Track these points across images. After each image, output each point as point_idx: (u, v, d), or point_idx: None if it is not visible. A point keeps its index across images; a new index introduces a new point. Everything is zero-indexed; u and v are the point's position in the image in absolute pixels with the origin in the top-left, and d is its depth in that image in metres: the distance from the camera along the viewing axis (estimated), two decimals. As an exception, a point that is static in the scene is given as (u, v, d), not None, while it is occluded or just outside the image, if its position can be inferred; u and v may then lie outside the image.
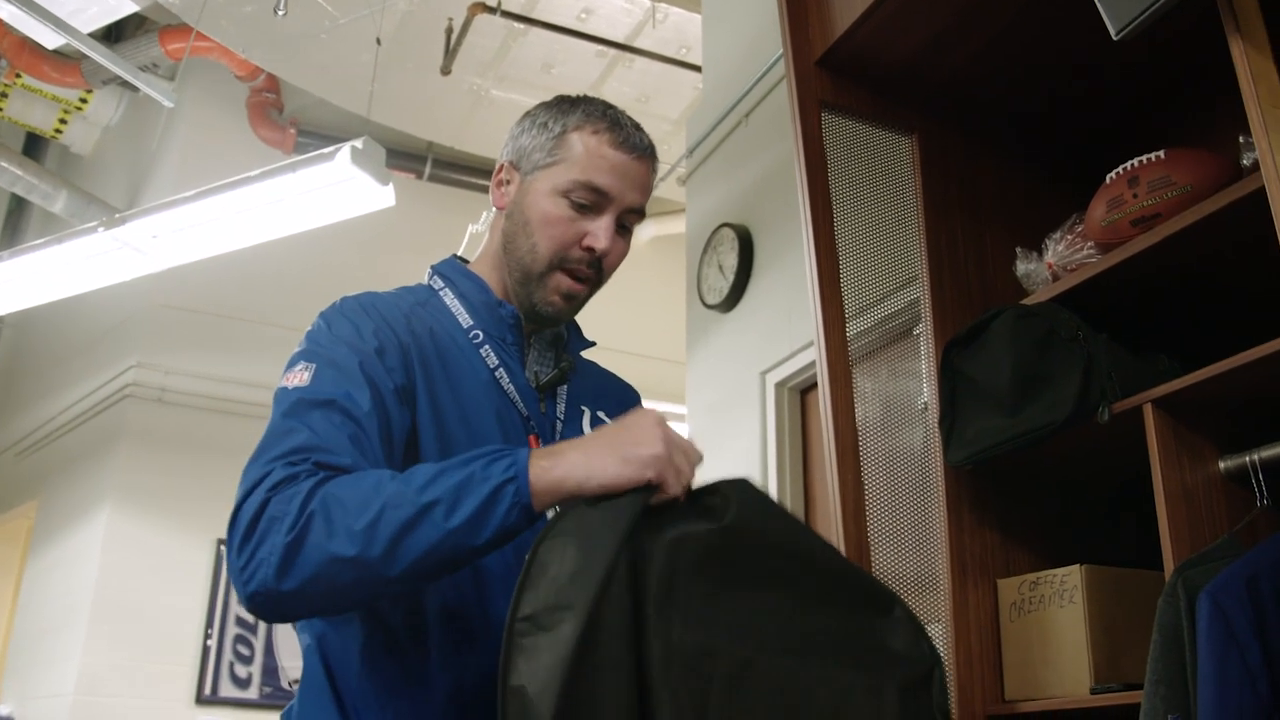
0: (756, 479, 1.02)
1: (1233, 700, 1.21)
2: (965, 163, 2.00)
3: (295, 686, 1.01)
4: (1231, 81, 1.33)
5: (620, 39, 4.58)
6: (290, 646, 4.84)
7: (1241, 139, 1.46)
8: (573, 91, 1.15)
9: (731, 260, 3.18)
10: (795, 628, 0.92)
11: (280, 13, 4.09)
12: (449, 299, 1.12)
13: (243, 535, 0.85)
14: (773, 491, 2.82)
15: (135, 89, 4.57)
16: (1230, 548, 1.37)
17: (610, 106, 1.11)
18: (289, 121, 5.42)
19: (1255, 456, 1.46)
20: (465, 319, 1.10)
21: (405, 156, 5.57)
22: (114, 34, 5.26)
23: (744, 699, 0.86)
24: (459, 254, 1.19)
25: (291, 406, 0.93)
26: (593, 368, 1.23)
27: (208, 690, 4.71)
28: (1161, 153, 1.57)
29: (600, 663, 0.80)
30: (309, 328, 1.04)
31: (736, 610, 0.89)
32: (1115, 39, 1.39)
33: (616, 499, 0.86)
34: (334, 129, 5.38)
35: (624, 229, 1.11)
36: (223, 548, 4.82)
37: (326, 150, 3.34)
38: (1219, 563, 1.33)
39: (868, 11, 1.77)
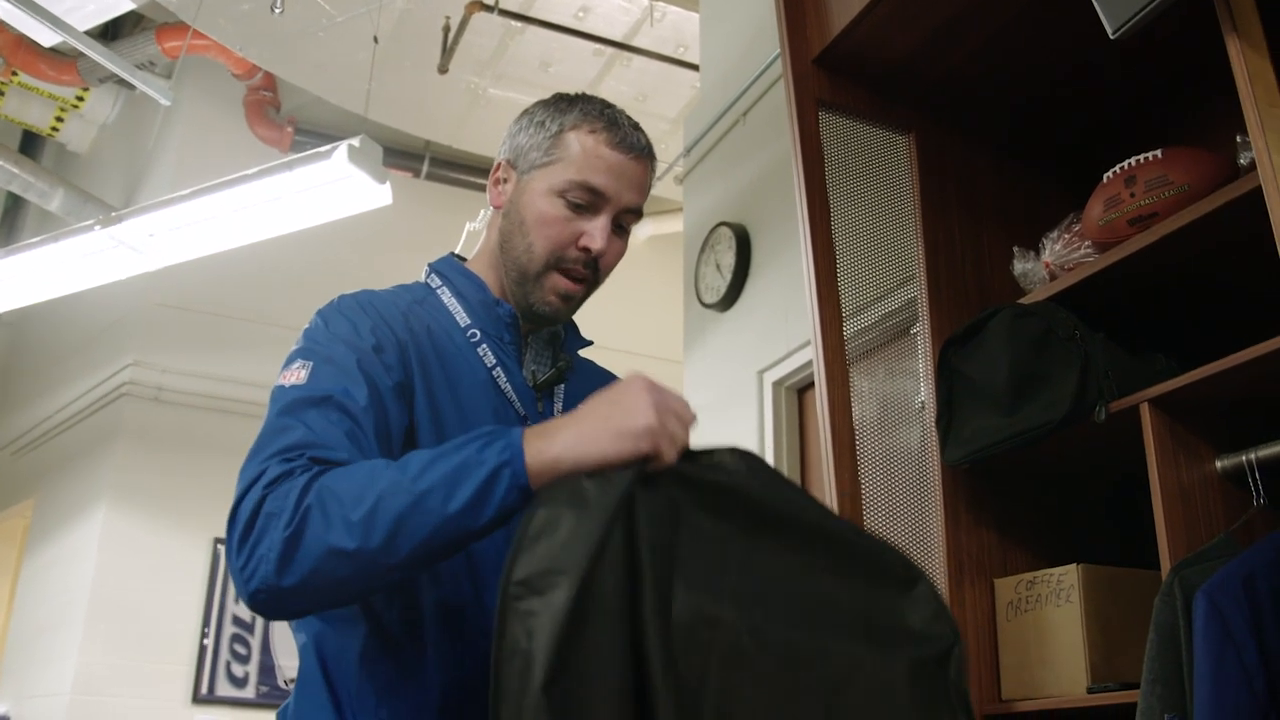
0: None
1: (1229, 699, 1.21)
2: (962, 162, 2.00)
3: (292, 685, 1.01)
4: (1229, 81, 1.33)
5: (618, 38, 4.58)
6: (287, 645, 4.83)
7: (1239, 138, 1.46)
8: (570, 90, 1.15)
9: (729, 259, 3.18)
10: (802, 598, 0.90)
11: (277, 10, 4.08)
12: (446, 297, 1.11)
13: (241, 533, 0.85)
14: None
15: (132, 87, 4.56)
16: (1227, 547, 1.37)
17: (608, 105, 1.11)
18: (286, 120, 5.41)
19: (1252, 456, 1.46)
20: (463, 318, 1.09)
21: (402, 155, 5.57)
22: (111, 32, 5.25)
23: (744, 670, 0.85)
24: (456, 252, 1.19)
25: (288, 405, 0.93)
26: (590, 367, 1.23)
27: (204, 689, 4.70)
28: (1159, 152, 1.58)
29: (595, 628, 0.79)
30: (306, 326, 1.04)
31: (740, 578, 0.87)
32: (1112, 38, 1.39)
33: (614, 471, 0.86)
34: (331, 127, 5.37)
35: (621, 229, 1.10)
36: (219, 547, 4.84)
37: (323, 148, 3.33)
38: (1215, 562, 1.34)
39: (865, 10, 1.77)
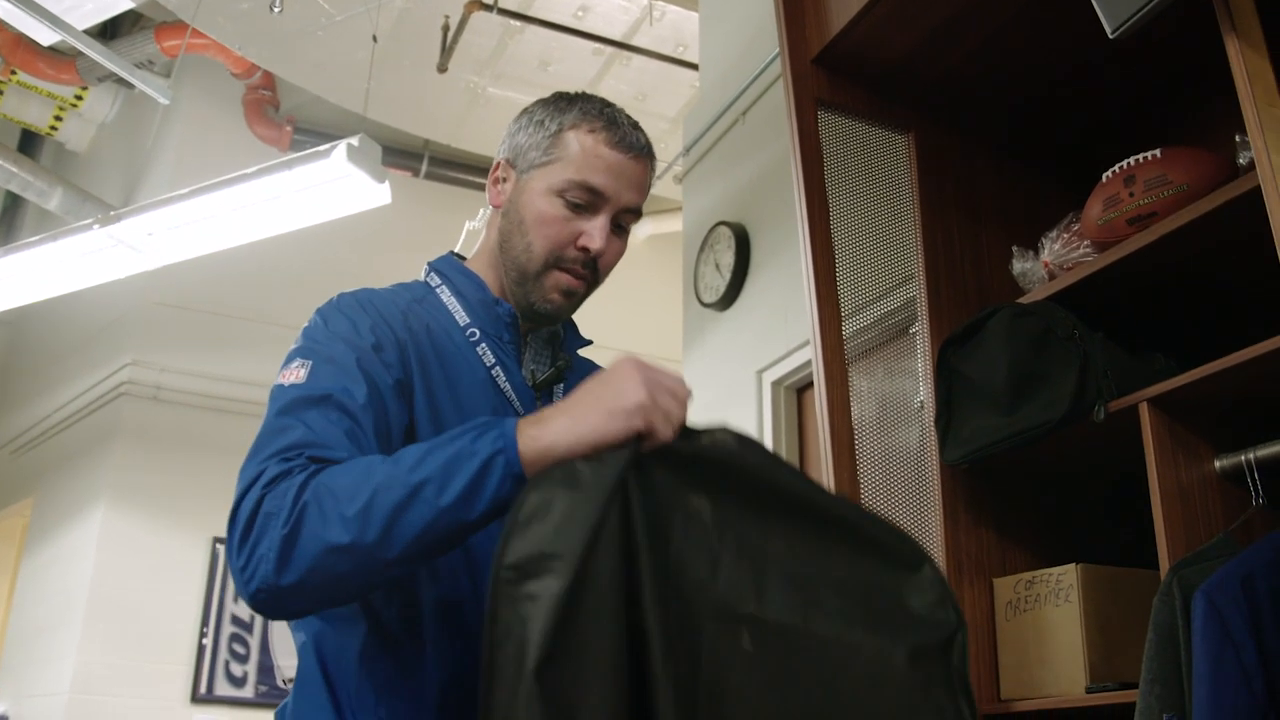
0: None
1: (1228, 699, 1.21)
2: (961, 161, 2.00)
3: (291, 685, 1.01)
4: (1228, 80, 1.33)
5: (617, 37, 4.58)
6: (286, 645, 4.83)
7: (1238, 138, 1.46)
8: (570, 89, 1.15)
9: (728, 259, 3.18)
10: (800, 581, 0.88)
11: (276, 10, 4.08)
12: (446, 296, 1.11)
13: (240, 534, 0.85)
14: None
15: (131, 86, 4.56)
16: (1225, 547, 1.37)
17: (608, 104, 1.10)
18: (285, 119, 5.41)
19: (1251, 455, 1.46)
20: (462, 317, 1.09)
21: (401, 154, 5.57)
22: (109, 30, 5.25)
23: (738, 654, 0.84)
24: (456, 251, 1.19)
25: (287, 404, 0.93)
26: (590, 366, 1.23)
27: (203, 689, 4.70)
28: (1158, 151, 1.58)
29: (590, 612, 0.78)
30: (306, 324, 1.04)
31: (737, 561, 0.87)
32: (1111, 37, 1.39)
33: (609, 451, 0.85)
34: (330, 126, 5.37)
35: (620, 228, 1.10)
36: (218, 546, 4.84)
37: (322, 148, 3.33)
38: (1214, 562, 1.34)
39: (864, 10, 1.77)
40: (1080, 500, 1.85)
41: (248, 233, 3.78)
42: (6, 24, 4.10)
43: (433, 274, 1.14)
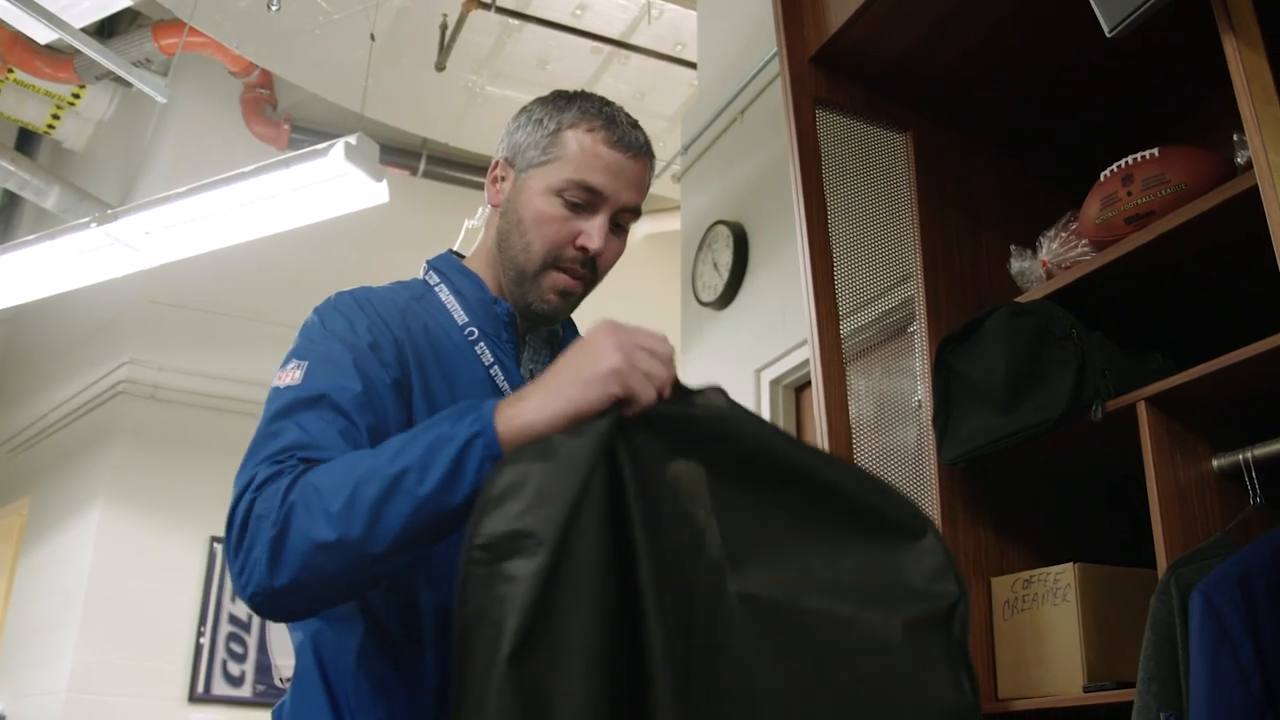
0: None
1: (1225, 698, 1.22)
2: (959, 160, 2.00)
3: (288, 684, 1.01)
4: (1226, 79, 1.33)
5: (615, 35, 4.58)
6: (283, 644, 4.83)
7: (1236, 137, 1.46)
8: (568, 88, 1.14)
9: (726, 258, 3.18)
10: (791, 553, 0.85)
11: (274, 8, 4.08)
12: (444, 295, 1.11)
13: (235, 539, 0.85)
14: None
15: (128, 84, 4.55)
16: (1223, 546, 1.37)
17: (607, 103, 1.10)
18: (283, 117, 5.41)
19: (1248, 455, 1.46)
20: (460, 315, 1.09)
21: (399, 153, 5.56)
22: (107, 29, 5.24)
23: (729, 632, 0.81)
24: (455, 249, 1.19)
25: (282, 407, 0.93)
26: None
27: (200, 688, 4.70)
28: (1156, 150, 1.58)
29: (570, 592, 0.75)
30: (304, 323, 1.04)
31: (728, 532, 0.83)
32: (1109, 36, 1.39)
33: (588, 421, 0.82)
34: (328, 125, 5.37)
35: (619, 228, 1.10)
36: (216, 545, 4.84)
37: (320, 146, 3.33)
38: (1212, 561, 1.34)
39: (862, 9, 1.77)
40: (1078, 499, 1.85)
41: (245, 231, 3.78)
42: (4, 22, 4.09)
43: (431, 272, 1.14)
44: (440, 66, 4.49)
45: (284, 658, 4.86)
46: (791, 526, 0.87)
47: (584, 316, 1.18)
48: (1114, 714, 1.44)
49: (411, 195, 5.36)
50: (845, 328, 1.83)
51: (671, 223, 5.18)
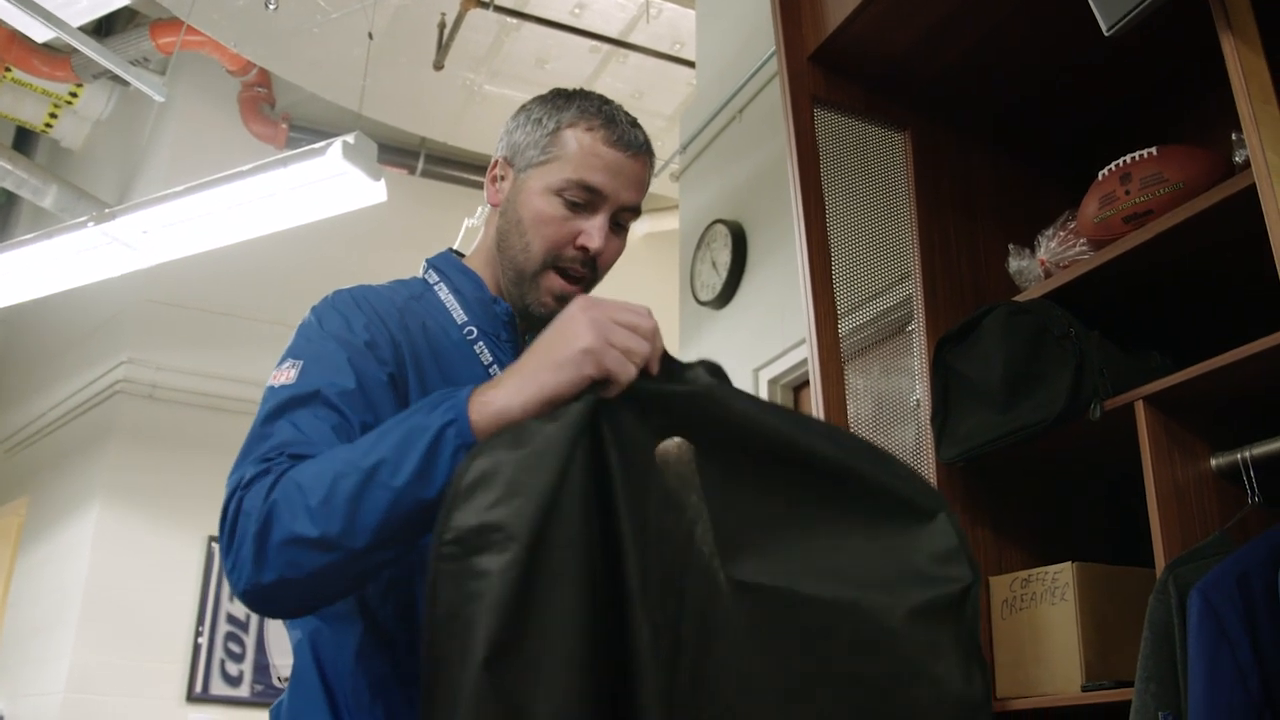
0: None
1: (1223, 697, 1.22)
2: (958, 159, 2.00)
3: (286, 684, 1.00)
4: (1224, 78, 1.33)
5: (614, 34, 4.58)
6: (281, 644, 4.83)
7: (1234, 136, 1.46)
8: (567, 87, 1.14)
9: (725, 257, 3.18)
10: (786, 537, 0.81)
11: (272, 7, 4.07)
12: (444, 294, 1.10)
13: (227, 537, 0.85)
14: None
15: (126, 83, 4.54)
16: (1221, 545, 1.37)
17: (606, 102, 1.09)
18: (281, 116, 5.40)
19: (1247, 454, 1.46)
20: (460, 315, 1.08)
21: (398, 152, 5.56)
22: (104, 28, 5.24)
23: (721, 621, 0.77)
24: (455, 248, 1.18)
25: (276, 406, 0.93)
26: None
27: (199, 688, 4.70)
28: (1154, 149, 1.58)
29: (545, 589, 0.71)
30: (301, 321, 1.03)
31: (721, 517, 0.79)
32: (1107, 35, 1.39)
33: (565, 406, 0.78)
34: (326, 124, 5.36)
35: (619, 227, 1.09)
36: (214, 545, 4.84)
37: (318, 145, 3.32)
38: (1210, 560, 1.34)
39: (860, 8, 1.77)
40: (1076, 498, 1.85)
41: (243, 230, 3.77)
42: (1, 21, 4.09)
43: (431, 271, 1.13)
44: (438, 65, 4.48)
45: (282, 657, 4.86)
46: (789, 508, 0.83)
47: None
48: (1112, 713, 1.44)
49: (410, 194, 5.35)
50: (843, 327, 1.83)
51: (670, 222, 5.18)
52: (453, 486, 0.75)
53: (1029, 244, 1.80)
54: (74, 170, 6.00)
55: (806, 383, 2.80)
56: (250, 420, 0.93)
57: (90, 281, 4.11)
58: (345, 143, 3.28)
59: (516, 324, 1.10)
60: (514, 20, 4.46)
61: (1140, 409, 1.49)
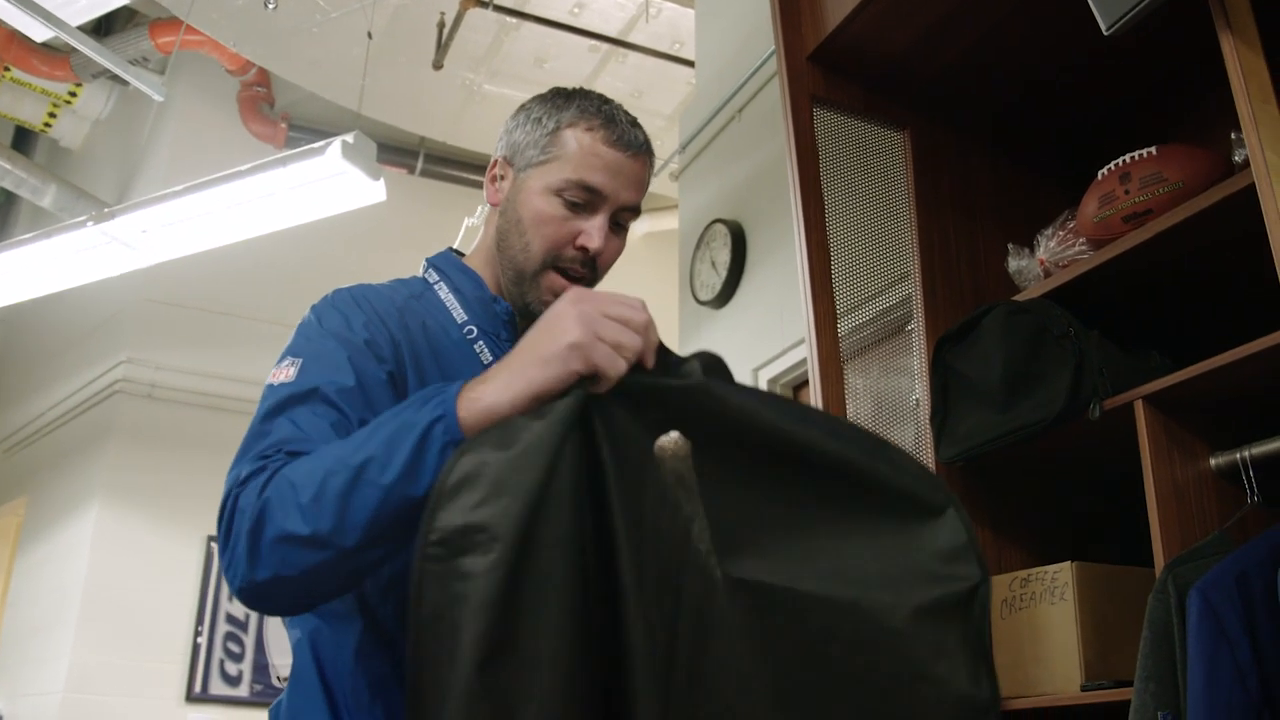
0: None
1: (1222, 697, 1.22)
2: (957, 159, 2.00)
3: (285, 683, 1.00)
4: (1223, 77, 1.33)
5: (613, 34, 4.58)
6: (281, 643, 4.82)
7: (1233, 135, 1.46)
8: (566, 86, 1.14)
9: (724, 256, 3.18)
10: (790, 534, 0.79)
11: (271, 6, 4.07)
12: (444, 293, 1.10)
13: (223, 535, 0.85)
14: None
15: (125, 83, 4.54)
16: (1220, 544, 1.37)
17: (606, 101, 1.09)
18: (280, 116, 5.40)
19: (1246, 453, 1.46)
20: (460, 314, 1.08)
21: (397, 151, 5.56)
22: (103, 27, 5.23)
23: (717, 621, 0.76)
24: (455, 247, 1.18)
25: (274, 404, 0.92)
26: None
27: (198, 688, 4.70)
28: (1153, 149, 1.58)
29: (532, 591, 0.70)
30: (301, 320, 1.03)
31: (718, 515, 0.77)
32: (1106, 34, 1.39)
33: (553, 402, 0.76)
34: (325, 123, 5.36)
35: (619, 226, 1.09)
36: (213, 545, 4.84)
37: (317, 145, 3.32)
38: (1209, 559, 1.34)
39: (859, 7, 1.77)
40: (1076, 498, 1.85)
41: (242, 230, 3.77)
42: (0, 20, 4.08)
43: (431, 270, 1.13)
44: (438, 65, 4.48)
45: (281, 657, 4.85)
46: (788, 505, 0.81)
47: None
48: (1111, 713, 1.44)
49: (409, 194, 5.35)
50: (843, 326, 1.83)
51: (669, 221, 5.18)
52: (437, 486, 0.73)
53: (1028, 243, 1.80)
54: (73, 170, 6.00)
55: (806, 382, 2.80)
56: (250, 420, 0.94)
57: (89, 281, 4.11)
58: (344, 142, 3.28)
59: (517, 323, 1.10)
60: (513, 20, 4.46)
61: (1140, 409, 1.49)
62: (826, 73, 1.90)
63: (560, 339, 0.80)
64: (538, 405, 0.79)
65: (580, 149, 1.05)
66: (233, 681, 4.78)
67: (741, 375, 3.04)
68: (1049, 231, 1.74)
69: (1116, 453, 1.56)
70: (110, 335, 5.17)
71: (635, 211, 1.09)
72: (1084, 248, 1.67)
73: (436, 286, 1.11)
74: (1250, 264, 1.37)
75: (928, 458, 1.79)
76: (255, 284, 5.07)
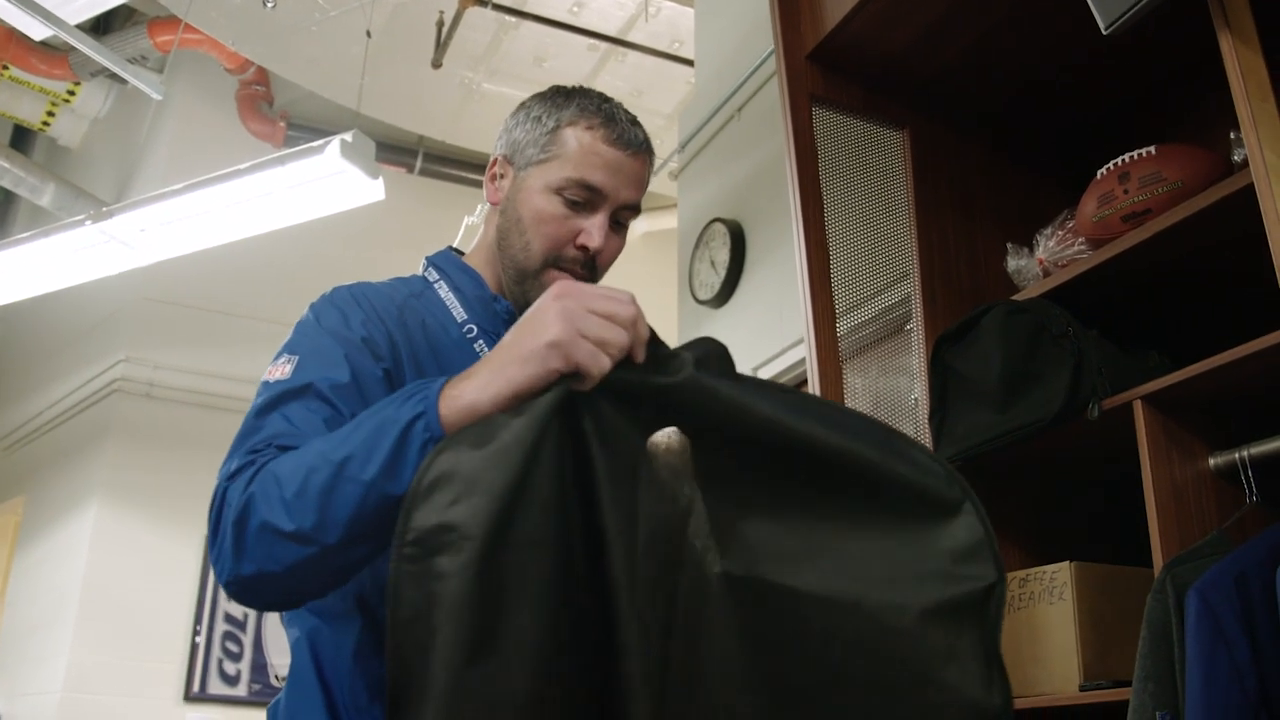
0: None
1: (1220, 697, 1.21)
2: (956, 158, 2.00)
3: (284, 683, 1.00)
4: (1222, 76, 1.33)
5: (612, 33, 4.57)
6: (279, 643, 4.82)
7: (1232, 135, 1.46)
8: (565, 85, 1.14)
9: (723, 256, 3.18)
10: (792, 532, 0.77)
11: (270, 5, 4.07)
12: (443, 292, 1.10)
13: (211, 530, 0.85)
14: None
15: (124, 81, 4.54)
16: (1219, 544, 1.37)
17: (605, 99, 1.09)
18: (279, 115, 5.39)
19: (1245, 453, 1.46)
20: (459, 313, 1.08)
21: (396, 150, 5.55)
22: (102, 25, 5.23)
23: (713, 619, 0.74)
24: (455, 246, 1.18)
25: (268, 400, 0.92)
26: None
27: (196, 687, 4.69)
28: (1152, 148, 1.57)
29: (512, 587, 0.69)
30: (300, 318, 1.03)
31: (716, 512, 0.76)
32: (1105, 34, 1.39)
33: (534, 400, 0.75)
34: (324, 122, 5.36)
35: (619, 225, 1.09)
36: (212, 543, 4.83)
37: (316, 143, 3.32)
38: (1208, 559, 1.34)
39: (858, 6, 1.77)
40: (1074, 498, 1.85)
41: (241, 229, 3.77)
42: (-2, 19, 4.08)
43: (431, 269, 1.13)
44: (437, 64, 4.48)
45: (279, 656, 4.85)
46: (787, 500, 0.79)
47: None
48: (1110, 713, 1.44)
49: (408, 193, 5.35)
50: (842, 326, 1.83)
51: (668, 220, 5.18)
52: (413, 485, 0.73)
53: (1027, 243, 1.80)
54: (71, 168, 5.99)
55: (805, 382, 2.80)
56: (247, 418, 0.93)
57: (88, 280, 4.11)
58: (343, 141, 3.28)
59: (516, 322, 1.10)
60: (512, 18, 4.45)
61: (1138, 408, 1.49)
62: (826, 72, 1.90)
63: (540, 336, 0.79)
64: (517, 403, 0.78)
65: (580, 147, 1.05)
66: (231, 681, 4.77)
67: (740, 375, 3.04)
68: (1048, 231, 1.74)
69: (1115, 453, 1.56)
70: (109, 334, 5.16)
71: (635, 210, 1.09)
72: (1083, 247, 1.66)
73: (436, 285, 1.11)
74: (1249, 264, 1.37)
75: (926, 457, 1.79)
76: (254, 283, 5.07)
